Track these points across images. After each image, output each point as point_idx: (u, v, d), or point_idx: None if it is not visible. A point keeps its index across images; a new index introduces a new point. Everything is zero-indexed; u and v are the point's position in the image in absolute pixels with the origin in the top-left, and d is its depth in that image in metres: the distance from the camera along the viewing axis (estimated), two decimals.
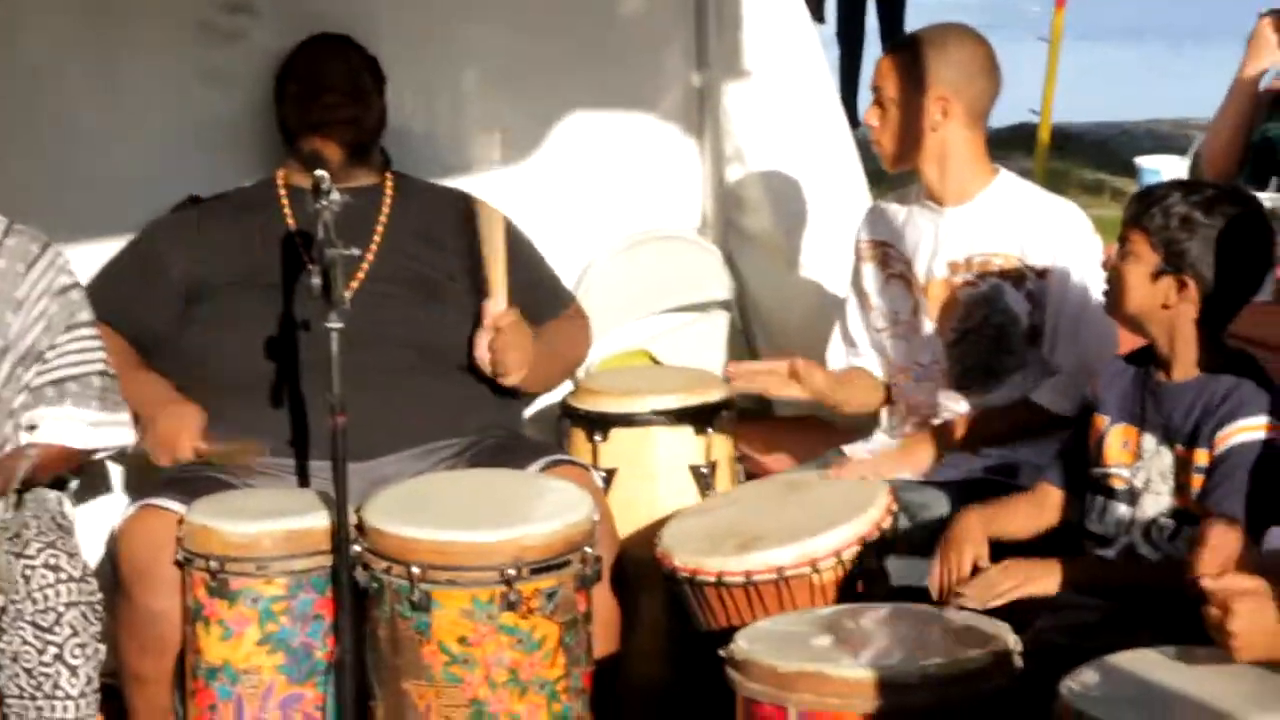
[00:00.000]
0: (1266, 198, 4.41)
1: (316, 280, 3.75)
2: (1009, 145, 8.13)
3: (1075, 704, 2.89)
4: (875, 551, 3.87)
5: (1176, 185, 3.50)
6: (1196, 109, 8.78)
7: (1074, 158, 10.14)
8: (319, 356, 3.81)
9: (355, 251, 3.84)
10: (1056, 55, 7.39)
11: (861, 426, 4.40)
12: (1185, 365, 3.47)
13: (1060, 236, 4.02)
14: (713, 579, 3.85)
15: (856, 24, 12.70)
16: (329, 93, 4.52)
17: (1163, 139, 5.09)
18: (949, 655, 3.23)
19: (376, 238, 4.50)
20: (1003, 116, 9.41)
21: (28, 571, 3.88)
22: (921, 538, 3.89)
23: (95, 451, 4.23)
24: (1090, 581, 3.46)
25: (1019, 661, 3.24)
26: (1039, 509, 3.73)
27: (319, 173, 3.89)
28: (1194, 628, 2.94)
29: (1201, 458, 3.40)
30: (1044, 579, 3.46)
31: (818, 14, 11.80)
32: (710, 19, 5.12)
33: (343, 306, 3.74)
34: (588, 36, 5.12)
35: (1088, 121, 10.43)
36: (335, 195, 3.84)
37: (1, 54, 4.62)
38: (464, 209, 4.65)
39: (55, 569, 3.91)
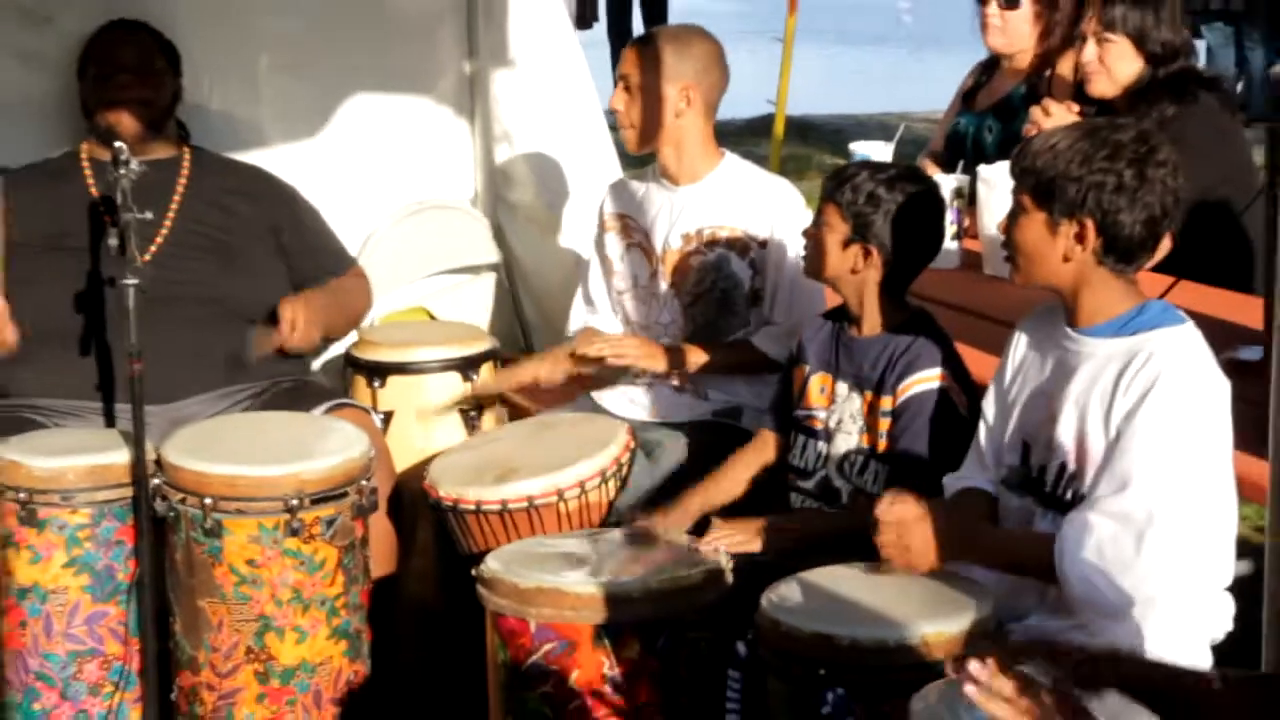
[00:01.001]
0: (953, 179, 4.57)
1: (114, 241, 3.75)
2: (755, 133, 8.24)
3: (772, 613, 3.01)
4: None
5: (865, 165, 3.60)
6: (924, 105, 9.00)
7: (815, 144, 10.32)
8: (122, 311, 3.79)
9: (148, 215, 3.81)
10: (790, 55, 7.44)
11: (610, 378, 4.44)
12: (872, 322, 3.57)
13: (777, 211, 4.10)
14: (473, 507, 3.90)
15: (624, 24, 12.77)
16: (122, 73, 4.47)
17: (890, 130, 5.24)
18: (669, 572, 3.31)
19: (174, 204, 4.46)
20: (748, 108, 9.60)
21: None
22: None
23: None
24: (788, 542, 3.51)
25: (730, 578, 3.33)
26: (759, 453, 3.81)
27: (117, 145, 3.88)
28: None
29: (886, 404, 3.51)
30: (748, 541, 3.51)
31: (591, 16, 11.89)
32: (479, 13, 5.14)
33: (138, 265, 3.73)
34: (369, 25, 5.09)
35: (829, 113, 10.63)
36: (134, 165, 3.84)
37: None
38: (257, 182, 4.67)
39: None
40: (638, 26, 12.44)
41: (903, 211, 3.49)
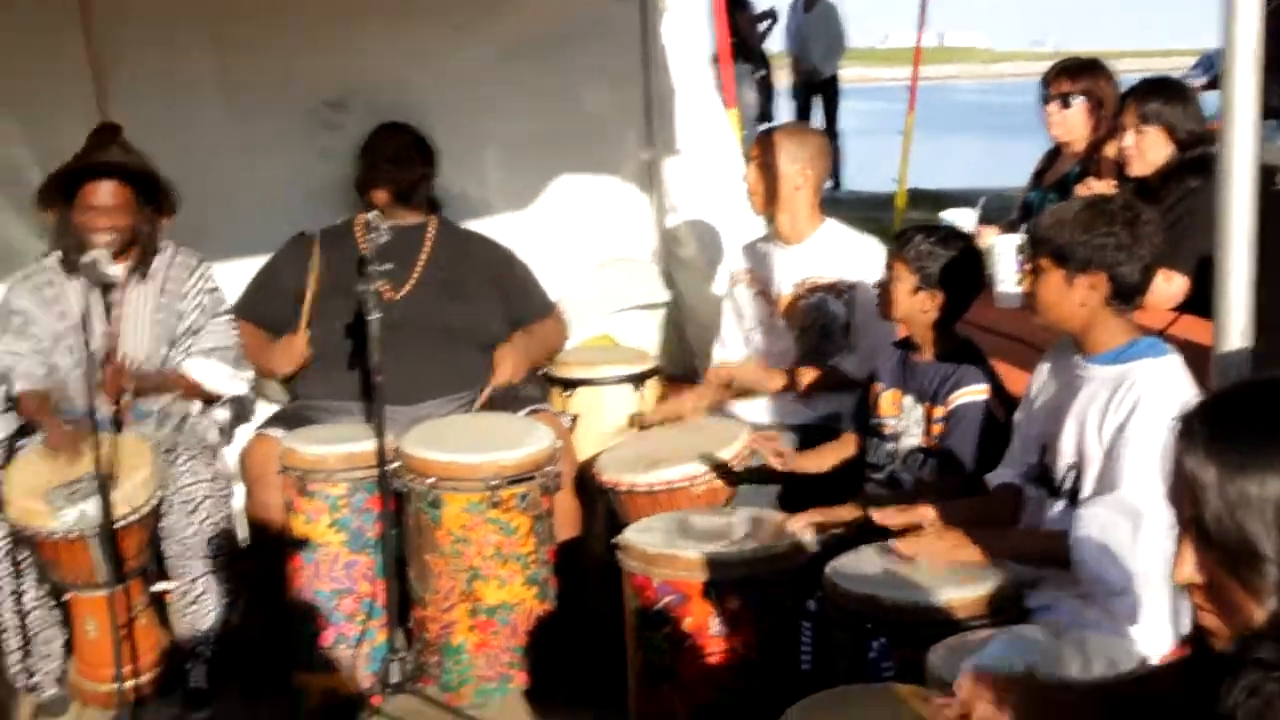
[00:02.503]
0: (1016, 238, 4.38)
1: (368, 287, 3.78)
2: (883, 204, 8.08)
3: (834, 578, 2.92)
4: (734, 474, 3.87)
5: (919, 229, 3.48)
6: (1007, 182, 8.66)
7: (929, 210, 10.07)
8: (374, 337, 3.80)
9: (390, 267, 3.83)
10: (909, 143, 7.32)
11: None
12: (930, 349, 3.46)
13: (863, 264, 3.98)
14: (626, 488, 3.87)
15: (805, 117, 12.72)
16: (383, 160, 4.54)
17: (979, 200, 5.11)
18: (762, 544, 3.24)
19: (423, 258, 4.50)
20: (879, 184, 9.42)
21: (178, 474, 3.95)
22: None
23: (224, 395, 4.26)
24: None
25: (809, 550, 3.23)
26: (844, 448, 3.71)
27: (372, 214, 3.93)
28: None
29: (939, 412, 3.40)
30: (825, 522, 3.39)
31: (766, 113, 11.82)
32: (654, 115, 5.10)
33: (379, 305, 3.74)
34: (571, 125, 5.08)
35: (940, 187, 10.37)
36: (383, 230, 3.87)
37: (180, 140, 4.61)
38: (484, 244, 4.68)
39: (195, 472, 3.96)
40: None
41: (952, 264, 3.37)
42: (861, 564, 2.96)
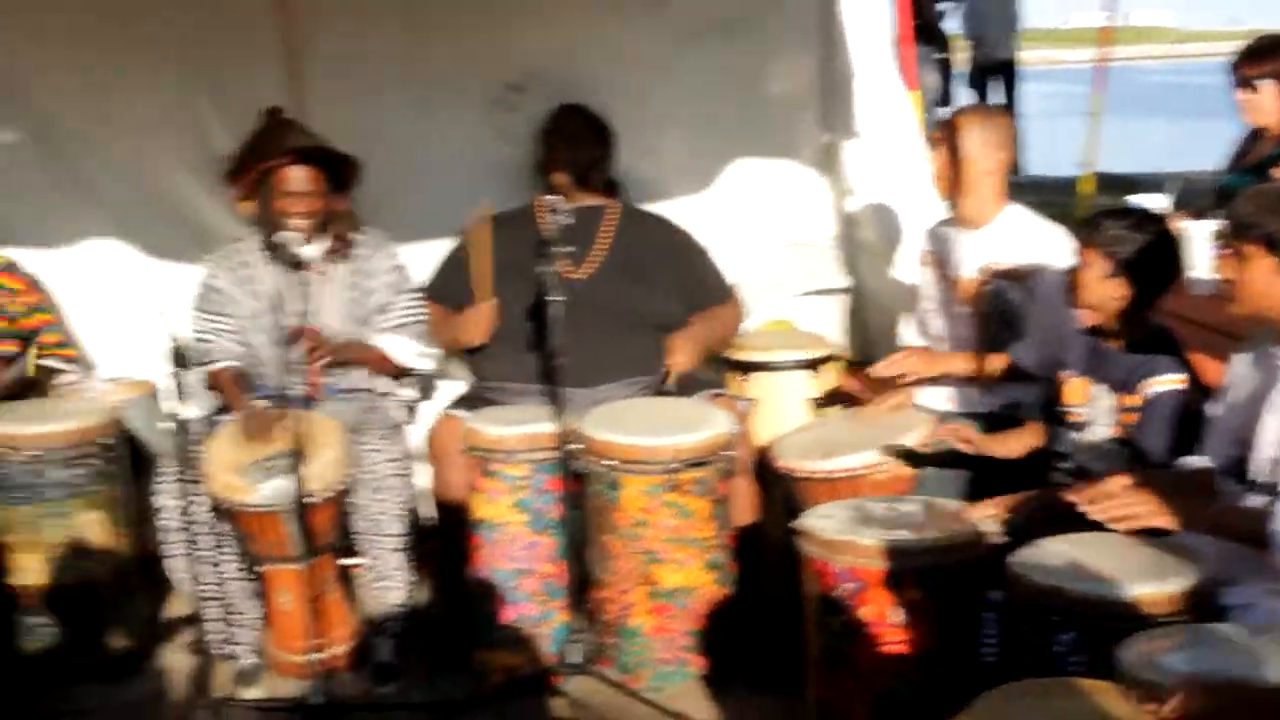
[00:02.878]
0: (1213, 224, 4.24)
1: (549, 269, 3.82)
2: (1065, 189, 7.83)
3: (1019, 569, 2.86)
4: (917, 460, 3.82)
5: (1110, 213, 3.38)
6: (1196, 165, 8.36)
7: (1116, 195, 9.74)
8: (555, 319, 3.85)
9: (572, 249, 3.86)
10: (1098, 125, 7.10)
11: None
12: (1123, 337, 3.36)
13: (1047, 250, 3.89)
14: (804, 475, 3.85)
15: (982, 101, 12.45)
16: (561, 141, 4.58)
17: (1174, 183, 4.88)
18: (943, 533, 3.19)
19: (603, 241, 4.53)
20: (1060, 168, 9.14)
21: (366, 453, 4.05)
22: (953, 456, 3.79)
23: (413, 371, 4.36)
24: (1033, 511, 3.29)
25: (990, 540, 3.17)
26: (1031, 435, 3.64)
27: (553, 197, 3.97)
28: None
29: (1131, 401, 3.30)
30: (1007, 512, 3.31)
31: (946, 96, 11.57)
32: (834, 96, 5.03)
33: (562, 287, 3.77)
34: (749, 107, 5.06)
35: (1127, 171, 10.00)
36: (565, 212, 3.92)
37: (367, 123, 4.73)
38: (663, 227, 4.70)
39: (383, 453, 4.05)
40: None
41: (1146, 249, 3.27)
42: (1047, 555, 2.90)
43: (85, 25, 4.74)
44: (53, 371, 4.65)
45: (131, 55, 4.77)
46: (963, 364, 4.00)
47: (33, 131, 4.85)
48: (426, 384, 4.67)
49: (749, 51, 5.01)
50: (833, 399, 4.52)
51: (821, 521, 3.29)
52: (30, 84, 4.81)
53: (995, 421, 3.92)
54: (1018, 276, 3.94)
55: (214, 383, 4.20)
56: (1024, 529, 3.13)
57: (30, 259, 4.75)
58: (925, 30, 9.43)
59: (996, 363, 3.94)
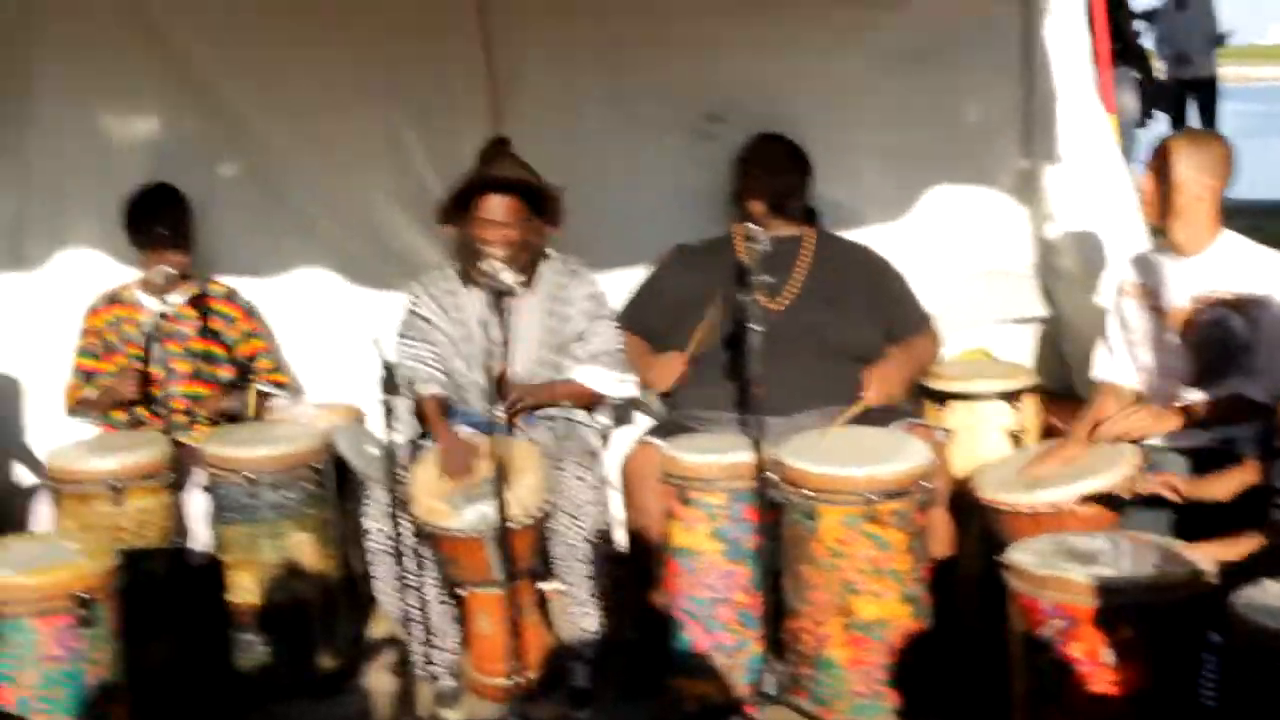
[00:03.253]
0: None
1: (747, 297, 3.82)
2: (1271, 213, 7.54)
3: (1243, 610, 2.76)
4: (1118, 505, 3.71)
5: None
6: None
7: None
8: (753, 348, 3.83)
9: (772, 279, 3.85)
10: None
11: None
12: None
13: (1268, 278, 3.76)
14: (1007, 509, 3.78)
15: (1179, 121, 12.11)
16: (762, 171, 4.58)
17: None
18: (1158, 571, 3.10)
19: (801, 270, 4.53)
20: (1265, 190, 8.75)
21: (565, 480, 4.10)
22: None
23: (612, 398, 4.40)
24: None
25: (1210, 580, 3.06)
26: (1246, 473, 3.50)
27: (753, 226, 3.98)
28: None
29: None
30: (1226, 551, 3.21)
31: (1146, 115, 11.29)
32: (1035, 121, 4.95)
33: (762, 316, 3.76)
34: (946, 133, 5.02)
35: None
36: (765, 241, 3.92)
37: (568, 153, 4.79)
38: (860, 254, 4.67)
39: (581, 479, 4.09)
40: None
41: None
42: (1272, 597, 2.79)
43: (297, 61, 4.92)
44: (265, 396, 4.82)
45: (341, 90, 4.93)
46: (1193, 414, 3.84)
47: (250, 165, 5.05)
48: (621, 410, 4.72)
49: (947, 78, 4.97)
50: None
51: (1029, 556, 3.22)
52: (247, 120, 5.01)
53: (1206, 457, 3.79)
54: (1240, 306, 3.81)
55: (418, 408, 4.31)
56: (1244, 568, 3.03)
57: (246, 287, 4.94)
58: (1123, 50, 9.23)
59: (1223, 408, 3.81)
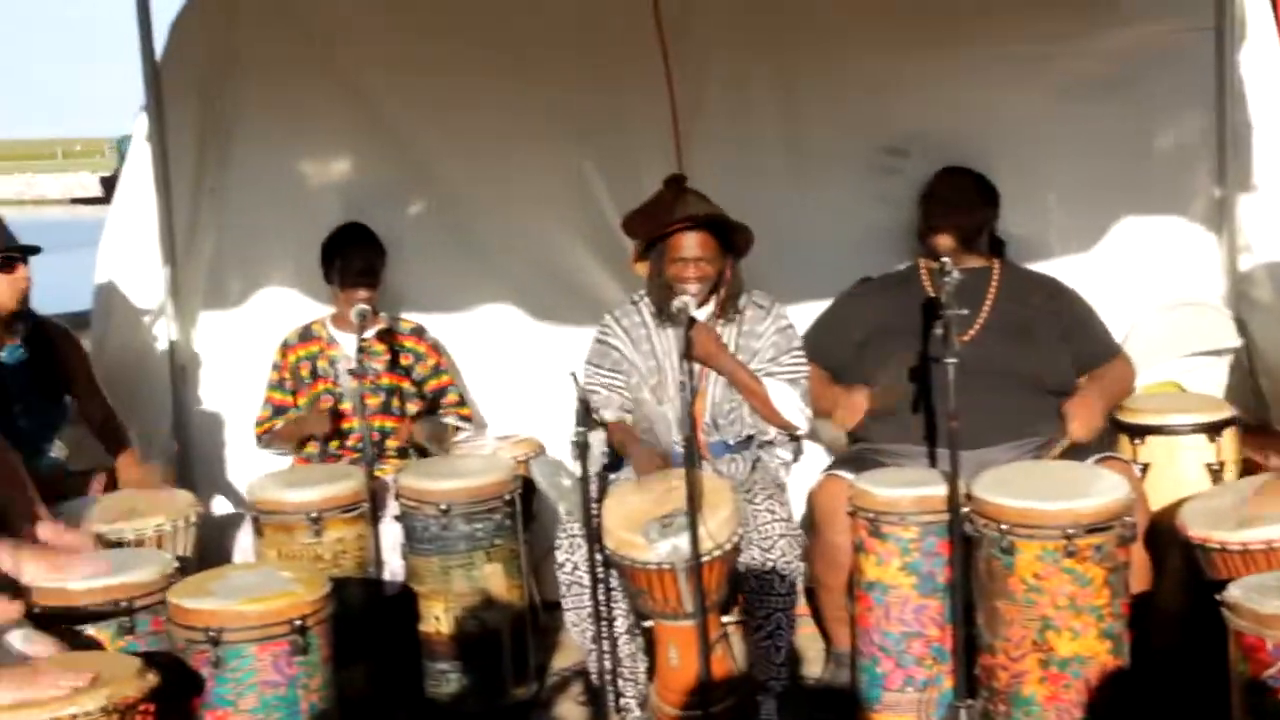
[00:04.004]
0: None
1: (939, 331, 3.78)
2: None
3: None
4: None
5: None
6: None
7: None
8: (943, 381, 3.77)
9: (964, 311, 3.78)
10: None
11: None
12: None
13: None
14: (1217, 546, 3.65)
15: None
16: (947, 205, 4.52)
17: None
18: None
19: (988, 302, 4.46)
20: None
21: (755, 513, 4.08)
22: None
23: (797, 428, 4.37)
24: None
25: None
26: None
27: (943, 259, 3.91)
28: None
29: None
30: None
31: None
32: (1229, 149, 4.82)
33: (955, 349, 3.70)
34: (1136, 162, 4.91)
35: None
36: (954, 274, 3.87)
37: (748, 187, 4.79)
38: (1048, 286, 4.59)
39: (771, 512, 4.07)
40: None
41: None
42: None
43: (483, 103, 5.02)
44: (450, 430, 4.90)
45: (526, 130, 5.04)
46: None
47: (438, 203, 5.17)
48: (797, 446, 4.68)
49: (1138, 105, 4.87)
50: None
51: (1254, 594, 3.11)
52: (434, 161, 5.13)
53: None
54: None
55: (608, 437, 4.32)
56: None
57: (432, 323, 5.04)
58: None
59: None
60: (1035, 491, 3.78)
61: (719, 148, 4.93)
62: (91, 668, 2.98)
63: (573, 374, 3.65)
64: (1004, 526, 3.72)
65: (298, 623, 3.29)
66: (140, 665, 3.01)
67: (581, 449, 3.70)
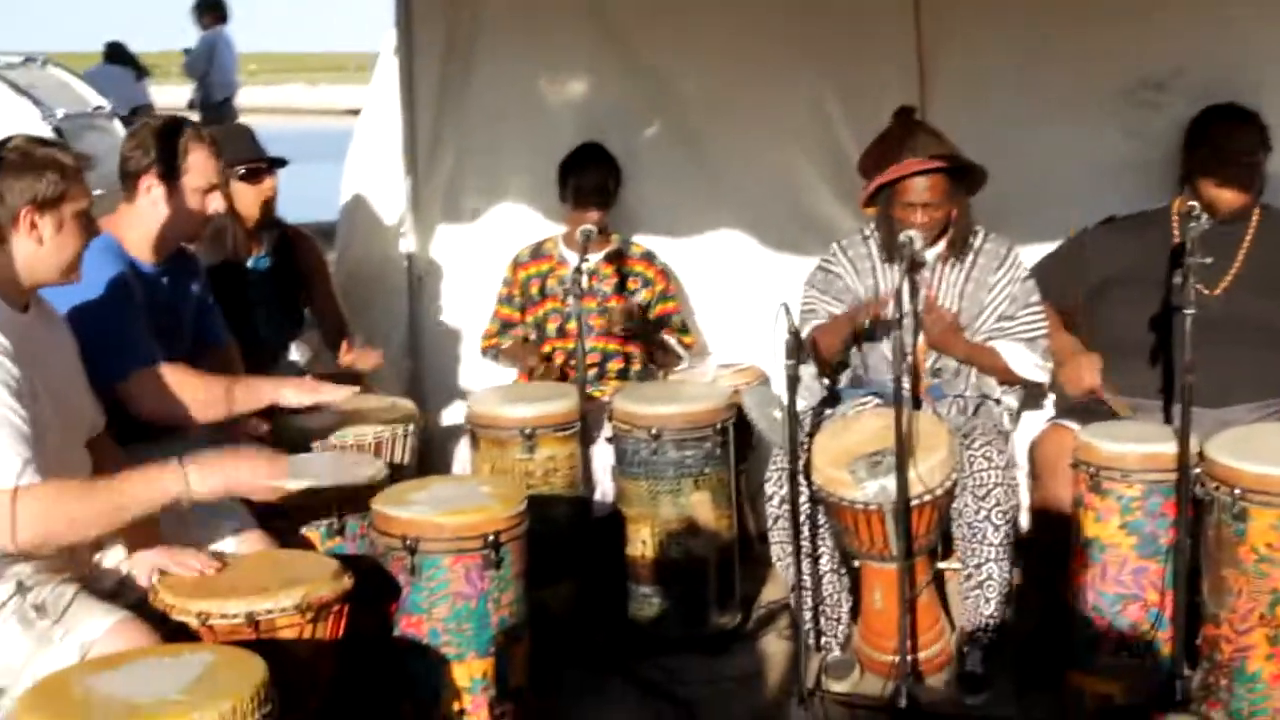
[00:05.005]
0: None
1: (1177, 280, 3.53)
2: None
3: None
4: None
5: None
6: None
7: None
8: (1182, 333, 3.51)
9: (1208, 261, 3.52)
10: None
11: None
12: None
13: None
14: None
15: None
16: (1215, 147, 4.21)
17: None
18: None
19: (1243, 252, 4.16)
20: None
21: (971, 458, 3.93)
22: None
23: (1024, 380, 4.19)
24: None
25: None
26: None
27: (1191, 202, 3.67)
28: None
29: None
30: None
31: None
32: None
33: (1192, 299, 3.45)
34: None
35: None
36: (1204, 220, 3.62)
37: (989, 124, 4.59)
38: None
39: (988, 459, 3.91)
40: None
41: None
42: None
43: (725, 29, 4.95)
44: (671, 356, 4.88)
45: (768, 59, 4.93)
46: None
47: (675, 128, 5.12)
48: (1030, 391, 4.49)
49: None
50: None
51: None
52: (673, 84, 5.08)
53: None
54: None
55: (813, 347, 4.21)
56: None
57: (661, 247, 5.02)
58: None
59: None
60: (1276, 456, 3.52)
61: (963, 80, 4.73)
62: (291, 567, 3.08)
63: (784, 305, 3.56)
64: (1238, 491, 3.47)
65: (490, 537, 3.31)
66: (337, 568, 3.09)
67: (791, 382, 3.61)
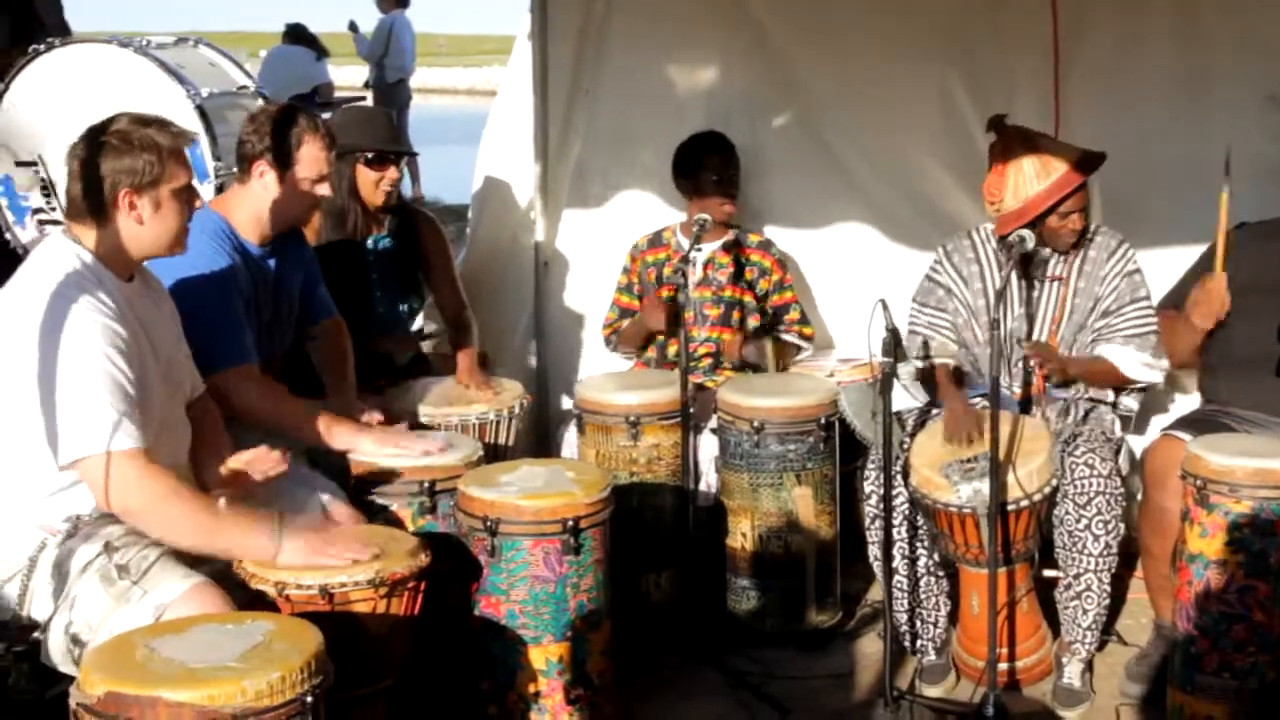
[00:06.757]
0: None
1: None
2: None
3: None
4: None
5: None
6: None
7: None
8: None
9: None
10: None
11: None
12: None
13: None
14: None
15: None
16: None
17: None
18: None
19: None
20: None
21: (1073, 465, 3.82)
22: None
23: (1138, 383, 4.08)
24: None
25: None
26: None
27: None
28: None
29: None
30: None
31: None
32: None
33: None
34: None
35: None
36: None
37: (1125, 122, 4.49)
38: None
39: (1090, 466, 3.81)
40: None
41: None
42: None
43: (856, 20, 4.92)
44: (789, 348, 4.85)
45: (899, 51, 4.89)
46: None
47: (802, 119, 5.09)
48: (1150, 397, 4.35)
49: None
50: None
51: None
52: (800, 75, 5.04)
53: None
54: None
55: (928, 376, 4.16)
56: None
57: (782, 238, 4.99)
58: None
59: None
60: None
61: (1100, 75, 4.61)
62: (374, 542, 3.15)
63: (881, 301, 3.52)
64: None
65: (570, 522, 3.35)
66: (416, 545, 3.15)
67: (886, 380, 3.57)
